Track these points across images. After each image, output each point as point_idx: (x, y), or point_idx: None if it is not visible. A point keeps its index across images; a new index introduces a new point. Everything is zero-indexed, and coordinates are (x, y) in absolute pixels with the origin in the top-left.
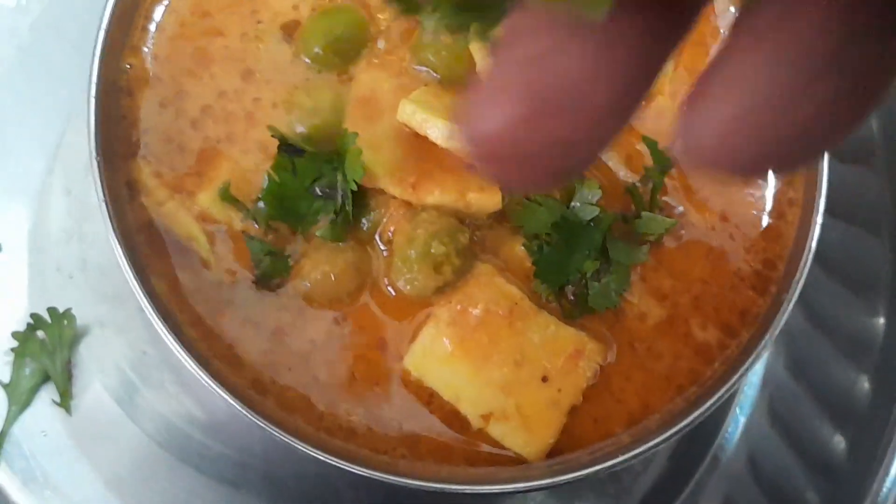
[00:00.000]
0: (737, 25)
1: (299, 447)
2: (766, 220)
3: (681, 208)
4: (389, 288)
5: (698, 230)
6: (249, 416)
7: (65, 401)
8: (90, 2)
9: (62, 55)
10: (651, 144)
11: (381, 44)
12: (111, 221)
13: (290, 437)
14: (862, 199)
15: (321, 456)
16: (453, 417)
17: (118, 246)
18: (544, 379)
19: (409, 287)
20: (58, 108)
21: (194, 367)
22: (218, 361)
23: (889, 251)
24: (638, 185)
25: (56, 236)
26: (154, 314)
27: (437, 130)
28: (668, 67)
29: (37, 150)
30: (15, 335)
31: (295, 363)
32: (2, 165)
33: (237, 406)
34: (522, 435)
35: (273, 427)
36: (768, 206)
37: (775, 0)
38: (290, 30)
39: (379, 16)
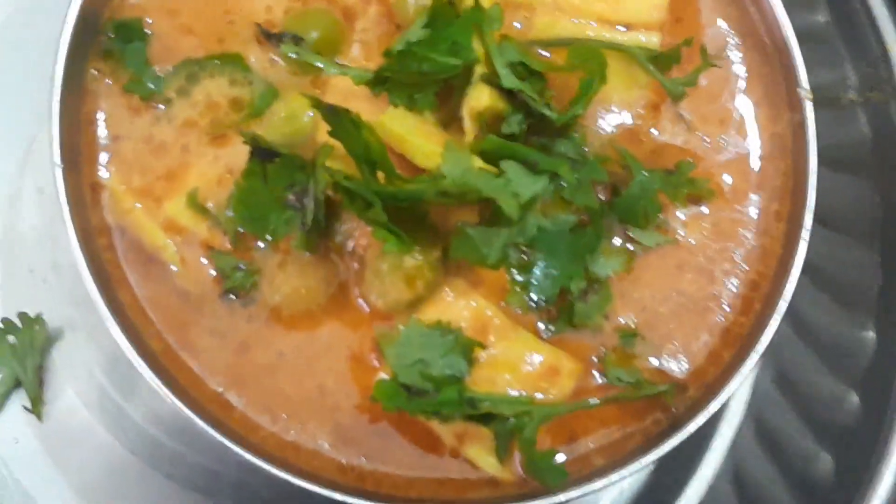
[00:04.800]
0: None
1: (263, 466)
2: (750, 238)
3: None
4: (361, 301)
5: (681, 245)
6: (211, 432)
7: (36, 407)
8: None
9: (35, 52)
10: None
11: (356, 49)
12: (74, 228)
13: (253, 455)
14: (852, 208)
15: (286, 476)
16: (426, 435)
17: (80, 254)
18: None
19: (380, 301)
20: (30, 107)
21: (156, 382)
22: (181, 375)
23: (879, 262)
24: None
25: (28, 237)
26: (116, 326)
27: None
28: None
29: (8, 150)
30: None
31: (262, 376)
32: None
33: (199, 423)
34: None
35: (235, 444)
36: (753, 221)
37: None
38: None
39: (355, 22)
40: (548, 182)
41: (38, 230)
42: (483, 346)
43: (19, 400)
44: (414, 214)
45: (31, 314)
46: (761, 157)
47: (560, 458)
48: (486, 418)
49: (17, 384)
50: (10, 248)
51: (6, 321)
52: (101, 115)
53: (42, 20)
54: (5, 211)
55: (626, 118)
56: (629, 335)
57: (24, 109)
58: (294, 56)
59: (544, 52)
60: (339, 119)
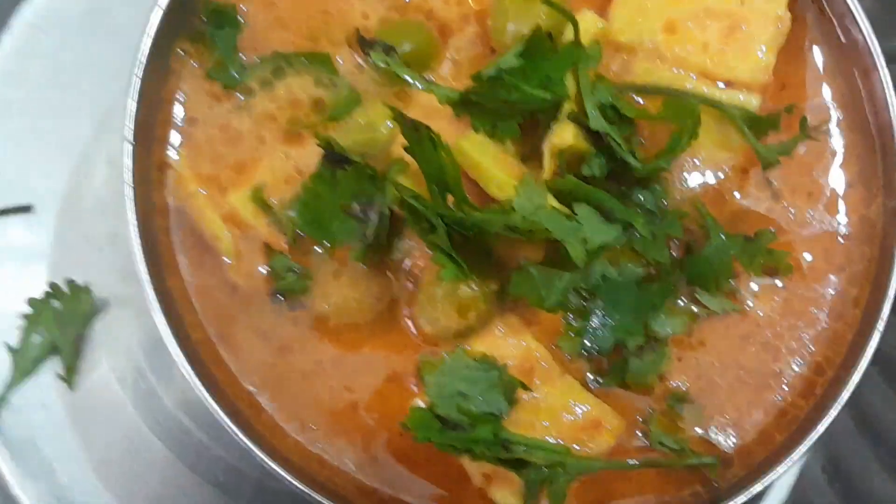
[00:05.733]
0: None
1: (284, 476)
2: (822, 320)
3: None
4: (409, 322)
5: (749, 315)
6: (235, 434)
7: (69, 376)
8: None
9: (126, 16)
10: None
11: (446, 67)
12: (134, 205)
13: (275, 463)
14: None
15: (305, 489)
16: (454, 470)
17: (136, 233)
18: None
19: (429, 326)
20: (115, 73)
21: (189, 373)
22: (217, 369)
23: None
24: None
25: (91, 206)
26: (160, 311)
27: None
28: None
29: (87, 113)
30: (31, 302)
31: (297, 383)
32: (50, 121)
33: (225, 422)
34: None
35: (258, 449)
36: (828, 303)
37: None
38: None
39: (449, 40)
40: (620, 232)
41: (103, 200)
42: (527, 388)
43: (54, 367)
44: (478, 244)
45: (80, 283)
46: (847, 239)
47: None
48: (518, 464)
49: (55, 350)
50: (71, 212)
51: (54, 286)
52: (180, 96)
53: None
54: (73, 175)
55: (711, 177)
56: (680, 400)
57: (107, 73)
58: (383, 65)
59: (637, 98)
60: (418, 135)
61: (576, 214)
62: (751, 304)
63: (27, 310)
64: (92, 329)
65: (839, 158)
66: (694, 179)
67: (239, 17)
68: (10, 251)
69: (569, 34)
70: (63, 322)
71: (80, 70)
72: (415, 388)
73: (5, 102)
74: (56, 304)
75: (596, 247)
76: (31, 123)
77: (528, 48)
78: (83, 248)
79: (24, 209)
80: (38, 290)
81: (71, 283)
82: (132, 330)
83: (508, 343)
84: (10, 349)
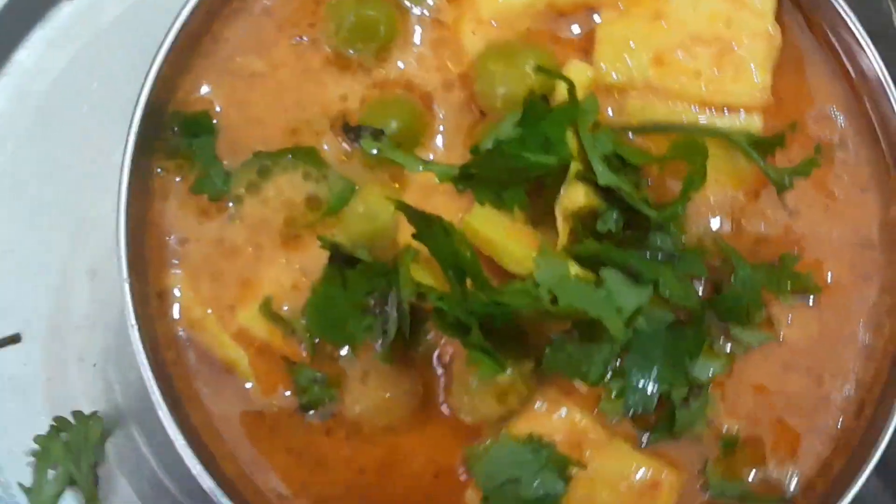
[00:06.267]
0: None
1: None
2: (861, 335)
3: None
4: (446, 410)
5: (786, 343)
6: None
7: None
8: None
9: (74, 120)
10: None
11: (438, 140)
12: (144, 350)
13: None
14: None
15: None
16: None
17: (150, 378)
18: None
19: (469, 417)
20: (84, 177)
21: None
22: (255, 498)
23: None
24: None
25: (79, 322)
26: (189, 451)
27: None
28: None
29: (58, 227)
30: (37, 440)
31: (344, 496)
32: (22, 240)
33: None
34: None
35: None
36: (864, 316)
37: None
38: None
39: (439, 111)
40: (651, 291)
41: (91, 314)
42: (579, 465)
43: (73, 499)
44: (507, 327)
45: (85, 409)
46: (871, 247)
47: None
48: None
49: (71, 482)
50: (60, 333)
51: (59, 420)
52: (167, 218)
53: (92, 78)
54: (55, 293)
55: (725, 207)
56: (732, 443)
57: (75, 186)
58: (375, 152)
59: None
60: (429, 225)
61: (602, 281)
62: (786, 332)
63: (35, 447)
64: (102, 451)
65: (850, 165)
66: (707, 213)
67: (213, 121)
68: (6, 387)
69: (560, 89)
70: (75, 453)
71: (43, 181)
72: (464, 478)
73: None
74: (64, 436)
75: (631, 314)
76: (3, 247)
77: (524, 115)
78: (79, 369)
79: (13, 340)
80: (43, 423)
81: (76, 413)
82: (145, 444)
83: (552, 418)
84: (25, 489)
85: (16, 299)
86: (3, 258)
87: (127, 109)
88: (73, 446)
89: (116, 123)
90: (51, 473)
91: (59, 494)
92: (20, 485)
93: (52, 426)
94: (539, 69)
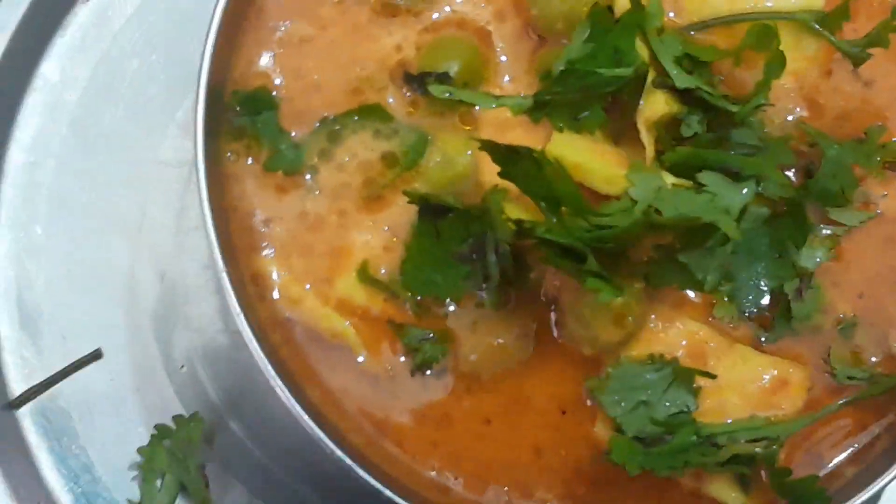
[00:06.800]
0: None
1: None
2: None
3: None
4: (563, 344)
5: (885, 217)
6: None
7: None
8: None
9: (111, 126)
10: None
11: (503, 74)
12: (253, 335)
13: None
14: None
15: None
16: (657, 480)
17: (268, 367)
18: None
19: (589, 347)
20: (130, 181)
21: (371, 481)
22: (390, 467)
23: None
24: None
25: (156, 328)
26: (316, 428)
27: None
28: None
29: (117, 233)
30: (141, 451)
31: (473, 449)
32: (83, 255)
33: None
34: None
35: None
36: None
37: None
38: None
39: (497, 43)
40: (755, 186)
41: (166, 318)
42: (705, 373)
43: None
44: (612, 250)
45: (178, 411)
46: None
47: None
48: (731, 461)
49: (181, 488)
50: (139, 343)
51: (159, 427)
52: (246, 201)
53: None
54: (126, 303)
55: (801, 90)
56: (850, 326)
57: (126, 191)
58: (447, 96)
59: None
60: (515, 161)
61: (702, 186)
62: (883, 206)
63: (139, 458)
64: (206, 452)
65: None
66: (785, 99)
67: (273, 94)
68: (97, 405)
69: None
70: (181, 459)
71: (90, 192)
72: (590, 411)
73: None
74: (167, 443)
75: (739, 212)
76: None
77: (592, 29)
78: (168, 374)
79: (95, 357)
80: (141, 435)
81: (177, 418)
82: (249, 438)
83: (669, 334)
84: None
85: (90, 315)
86: (68, 277)
87: (165, 105)
88: (177, 452)
89: (155, 121)
90: (159, 484)
91: (172, 502)
92: (129, 501)
93: (153, 435)
94: None
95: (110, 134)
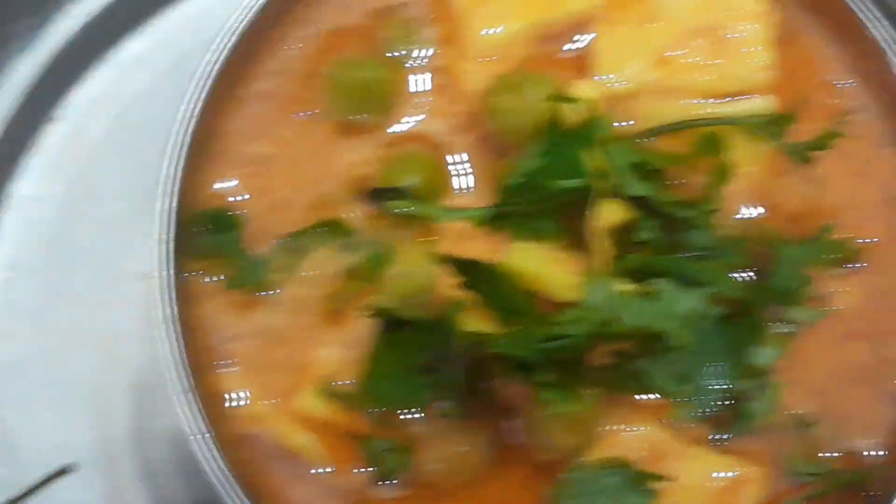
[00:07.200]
0: None
1: None
2: None
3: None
4: (524, 451)
5: (839, 314)
6: None
7: None
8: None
9: (83, 241)
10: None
11: (462, 186)
12: (218, 454)
13: None
14: None
15: None
16: None
17: (230, 481)
18: None
19: (548, 454)
20: (104, 297)
21: None
22: None
23: None
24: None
25: (130, 440)
26: None
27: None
28: None
29: (91, 345)
30: None
31: None
32: (58, 368)
33: None
34: None
35: None
36: None
37: None
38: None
39: (456, 157)
40: (707, 291)
41: (141, 430)
42: (661, 478)
43: None
44: (568, 358)
45: None
46: None
47: None
48: None
49: None
50: (111, 455)
51: None
52: (208, 320)
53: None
54: (98, 417)
55: (754, 191)
56: (806, 424)
57: (100, 307)
58: (407, 211)
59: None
60: (475, 273)
61: (656, 294)
62: (837, 302)
63: None
64: None
65: (864, 124)
66: (738, 201)
67: (235, 214)
68: None
69: (569, 111)
70: None
71: (63, 307)
72: None
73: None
74: None
75: (692, 318)
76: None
77: (547, 142)
78: (144, 487)
79: (65, 471)
80: None
81: None
82: None
83: (628, 437)
84: None
85: (63, 429)
86: (43, 388)
87: (134, 226)
88: None
89: (125, 243)
90: None
91: None
92: None
93: None
94: (552, 97)
95: (84, 255)
